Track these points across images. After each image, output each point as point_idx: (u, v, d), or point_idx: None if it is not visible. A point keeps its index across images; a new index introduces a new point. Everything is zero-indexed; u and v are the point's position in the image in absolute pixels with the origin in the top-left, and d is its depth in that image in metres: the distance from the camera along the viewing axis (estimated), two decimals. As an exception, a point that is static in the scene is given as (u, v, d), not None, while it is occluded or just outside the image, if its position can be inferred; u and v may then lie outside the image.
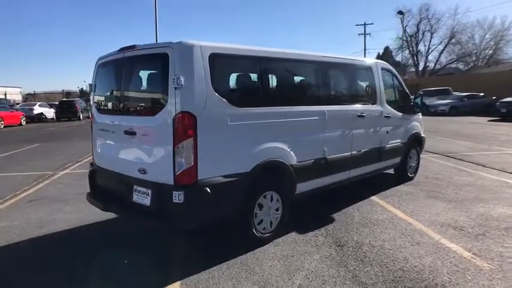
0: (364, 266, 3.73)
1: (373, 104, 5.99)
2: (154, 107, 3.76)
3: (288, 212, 4.56)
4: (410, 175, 7.24)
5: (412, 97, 7.07)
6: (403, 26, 46.49)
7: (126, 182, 4.02)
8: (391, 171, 7.23)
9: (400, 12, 40.49)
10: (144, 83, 4.02)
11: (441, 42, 47.17)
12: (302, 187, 4.77)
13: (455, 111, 25.90)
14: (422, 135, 7.50)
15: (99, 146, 4.62)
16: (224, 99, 3.73)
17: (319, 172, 4.96)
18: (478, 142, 12.26)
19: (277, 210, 4.44)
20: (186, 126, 3.46)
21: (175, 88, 3.45)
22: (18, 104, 33.96)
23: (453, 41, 46.37)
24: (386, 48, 75.58)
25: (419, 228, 4.73)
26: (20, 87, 59.16)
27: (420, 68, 49.60)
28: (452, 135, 14.25)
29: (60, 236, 4.73)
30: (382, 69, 6.34)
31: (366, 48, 53.11)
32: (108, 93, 4.46)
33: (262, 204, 4.25)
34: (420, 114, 7.51)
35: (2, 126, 22.29)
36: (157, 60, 3.62)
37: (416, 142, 7.29)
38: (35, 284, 3.54)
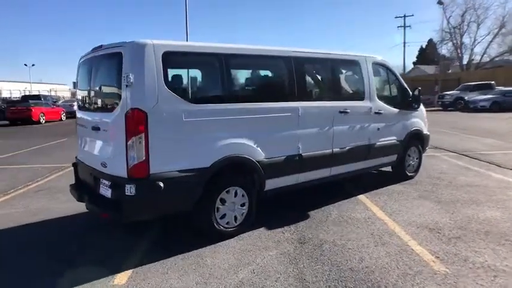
0: (315, 264, 3.70)
1: (360, 100, 5.82)
2: (112, 104, 3.94)
3: (255, 208, 4.60)
4: (409, 174, 6.96)
5: (416, 93, 6.73)
6: (446, 17, 44.03)
7: (94, 175, 4.26)
8: (389, 168, 7.02)
9: (440, 2, 38.32)
10: (106, 81, 4.22)
11: (489, 33, 44.18)
12: (273, 183, 4.77)
13: (497, 107, 24.27)
14: (426, 132, 7.17)
15: (79, 141, 4.90)
16: (178, 96, 3.84)
17: (292, 169, 4.93)
18: (505, 140, 11.46)
19: (243, 205, 4.49)
20: (136, 122, 3.61)
21: (126, 86, 3.61)
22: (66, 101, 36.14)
23: (503, 31, 43.25)
24: (430, 41, 72.00)
25: (392, 228, 4.58)
26: (68, 85, 63.09)
27: (465, 62, 46.75)
28: (481, 132, 13.41)
29: (45, 224, 5.07)
30: (374, 63, 6.14)
31: (406, 41, 51.02)
32: (84, 91, 4.72)
33: (225, 199, 4.32)
34: (423, 110, 7.18)
35: (44, 121, 23.90)
36: (114, 59, 3.79)
37: (416, 140, 6.98)
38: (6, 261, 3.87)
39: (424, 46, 73.44)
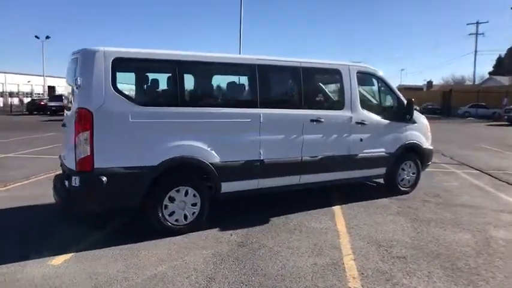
0: (236, 266, 3.80)
1: (339, 109, 5.71)
2: (71, 104, 4.40)
3: (207, 208, 4.78)
4: (403, 189, 6.62)
5: (408, 104, 6.41)
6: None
7: (63, 168, 4.78)
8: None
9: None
10: (71, 83, 4.68)
11: None
12: (230, 186, 4.92)
13: None
14: (426, 146, 6.75)
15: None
16: (125, 99, 4.18)
17: (252, 174, 5.03)
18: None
19: (194, 205, 4.70)
20: (83, 121, 4.02)
21: (77, 88, 4.04)
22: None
23: None
24: (510, 50, 65.89)
25: (339, 241, 4.48)
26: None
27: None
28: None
29: (33, 208, 5.69)
30: (360, 72, 5.97)
31: (478, 50, 47.20)
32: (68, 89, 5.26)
33: (175, 197, 4.57)
34: (423, 123, 6.78)
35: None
36: (75, 63, 4.26)
37: (413, 153, 6.62)
38: None
39: (502, 55, 67.14)
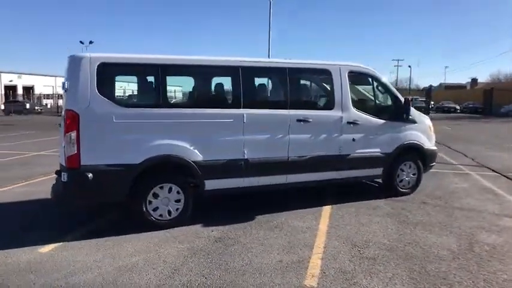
0: (204, 261, 3.96)
1: (328, 109, 5.71)
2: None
3: (191, 204, 4.99)
4: (402, 190, 6.47)
5: (404, 103, 6.27)
6: None
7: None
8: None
9: None
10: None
11: None
12: (214, 184, 5.09)
13: None
14: (428, 147, 6.55)
15: None
16: (109, 101, 4.48)
17: (236, 172, 5.17)
18: None
19: (178, 201, 4.93)
20: (70, 121, 4.36)
21: (65, 91, 4.39)
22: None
23: None
24: None
25: (314, 240, 4.51)
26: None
27: None
28: None
29: (41, 201, 6.13)
30: (352, 72, 5.92)
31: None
32: None
33: (158, 194, 4.81)
34: (425, 122, 6.59)
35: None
36: (66, 68, 4.62)
37: (413, 154, 6.46)
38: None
39: None
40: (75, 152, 4.39)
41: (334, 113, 5.72)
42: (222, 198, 6.20)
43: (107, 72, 4.52)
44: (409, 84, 75.68)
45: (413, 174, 6.53)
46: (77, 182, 4.43)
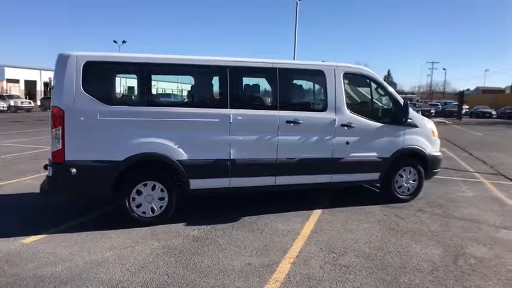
0: (174, 260, 3.97)
1: (320, 111, 5.58)
2: None
3: (175, 203, 5.02)
4: (400, 196, 6.22)
5: (402, 107, 6.00)
6: None
7: None
8: (378, 188, 6.41)
9: None
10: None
11: None
12: (199, 183, 5.10)
13: None
14: (431, 152, 6.25)
15: None
16: (94, 98, 4.59)
17: (222, 172, 5.14)
18: None
19: (161, 199, 4.97)
20: (56, 117, 4.50)
21: (51, 88, 4.54)
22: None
23: None
24: None
25: (291, 244, 4.41)
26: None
27: None
28: None
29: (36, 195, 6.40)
30: (348, 74, 5.76)
31: None
32: None
33: (142, 191, 4.88)
34: (427, 126, 6.29)
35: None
36: (55, 66, 4.77)
37: (414, 159, 6.19)
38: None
39: None
40: (60, 147, 4.54)
41: (327, 115, 5.58)
42: (214, 197, 6.22)
43: (92, 71, 4.63)
44: (444, 87, 72.94)
45: (414, 181, 6.25)
46: (60, 177, 4.57)
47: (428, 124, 6.41)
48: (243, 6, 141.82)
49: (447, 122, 31.01)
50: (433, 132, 6.39)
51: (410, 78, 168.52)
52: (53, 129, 4.54)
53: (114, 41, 49.56)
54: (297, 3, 27.86)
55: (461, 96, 36.88)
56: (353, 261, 4.00)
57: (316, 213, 5.58)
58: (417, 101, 50.34)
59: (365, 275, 3.69)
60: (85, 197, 5.24)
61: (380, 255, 4.16)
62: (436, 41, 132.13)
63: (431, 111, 38.58)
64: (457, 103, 39.06)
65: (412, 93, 69.33)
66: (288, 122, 5.34)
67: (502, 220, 5.45)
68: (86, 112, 4.58)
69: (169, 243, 4.41)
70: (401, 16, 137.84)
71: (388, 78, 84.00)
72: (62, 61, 4.55)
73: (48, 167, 4.66)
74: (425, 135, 6.26)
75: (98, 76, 4.78)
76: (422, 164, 6.24)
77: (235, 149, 5.15)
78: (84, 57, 4.60)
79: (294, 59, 24.90)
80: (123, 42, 49.59)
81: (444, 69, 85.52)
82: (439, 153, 6.46)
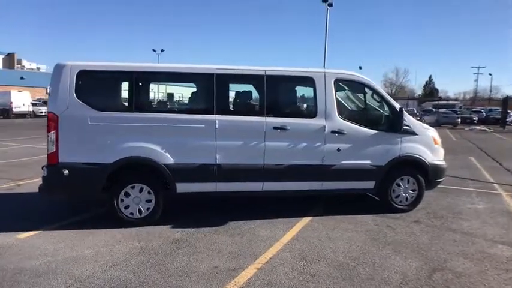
0: (146, 259, 4.14)
1: (311, 117, 5.55)
2: None
3: (162, 205, 5.20)
4: (398, 206, 6.00)
5: (397, 113, 5.79)
6: None
7: None
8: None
9: None
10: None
11: None
12: (186, 187, 5.25)
13: None
14: (430, 160, 5.96)
15: None
16: (85, 104, 4.89)
17: (208, 177, 5.26)
18: None
19: (149, 201, 5.17)
20: (51, 122, 4.85)
21: (48, 95, 4.90)
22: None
23: None
24: None
25: (266, 250, 4.42)
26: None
27: None
28: None
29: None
30: (340, 80, 5.69)
31: None
32: None
33: (130, 193, 5.11)
34: (427, 134, 6.04)
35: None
36: (51, 74, 5.14)
37: (413, 168, 5.96)
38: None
39: None
40: (54, 150, 4.88)
41: (316, 122, 5.53)
42: (208, 202, 6.34)
43: (85, 79, 4.95)
44: (490, 93, 68.78)
45: (413, 190, 6.02)
46: (54, 177, 4.90)
47: (430, 132, 6.14)
48: (279, 11, 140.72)
49: (488, 130, 29.26)
50: (434, 140, 6.11)
51: (456, 84, 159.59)
52: (48, 133, 4.89)
53: (153, 50, 51.80)
54: (327, 9, 27.65)
55: (505, 102, 34.64)
56: (321, 270, 3.95)
57: (305, 221, 5.53)
58: (460, 107, 47.86)
59: (327, 285, 3.64)
60: (77, 197, 5.56)
61: (352, 266, 4.07)
62: (484, 44, 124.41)
63: (474, 119, 36.58)
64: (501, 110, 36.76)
65: (456, 100, 65.81)
66: (275, 128, 5.37)
67: (503, 235, 5.11)
68: (77, 117, 4.90)
69: (149, 244, 4.57)
70: (447, 18, 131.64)
71: (429, 84, 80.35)
72: (58, 70, 4.91)
73: (43, 168, 5.01)
74: (426, 143, 6.01)
75: (90, 84, 5.09)
76: (422, 173, 5.99)
77: (221, 154, 5.25)
78: (78, 67, 4.92)
79: (324, 66, 24.65)
80: (162, 50, 51.66)
81: (490, 74, 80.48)
82: (441, 162, 6.16)
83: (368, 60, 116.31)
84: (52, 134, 4.87)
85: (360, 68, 66.15)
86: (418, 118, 26.66)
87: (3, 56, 59.34)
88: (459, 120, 33.21)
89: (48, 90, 5.04)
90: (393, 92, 77.83)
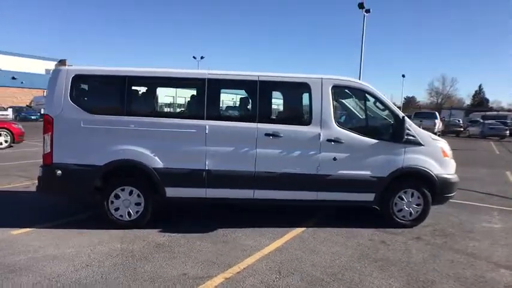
0: (120, 261, 4.17)
1: (305, 124, 5.36)
2: None
3: (151, 208, 5.24)
4: (400, 221, 5.63)
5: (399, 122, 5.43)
6: None
7: None
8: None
9: None
10: None
11: None
12: (175, 192, 5.26)
13: None
14: (438, 173, 5.52)
15: None
16: (79, 108, 5.06)
17: (198, 182, 5.23)
18: None
19: (138, 204, 5.23)
20: (47, 124, 5.07)
21: (45, 98, 5.13)
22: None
23: None
24: None
25: (242, 260, 4.29)
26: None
27: None
28: None
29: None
30: (338, 87, 5.45)
31: None
32: None
33: (120, 195, 5.20)
34: (434, 144, 5.61)
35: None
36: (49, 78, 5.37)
37: (418, 181, 5.57)
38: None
39: None
40: (49, 150, 5.08)
41: (311, 129, 5.34)
42: (206, 208, 6.31)
43: (79, 83, 5.14)
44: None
45: (418, 205, 5.61)
46: (48, 177, 5.10)
47: (439, 143, 5.71)
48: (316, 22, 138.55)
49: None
50: (443, 152, 5.67)
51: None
52: (44, 135, 5.11)
53: (194, 57, 53.23)
54: (364, 16, 26.93)
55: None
56: (292, 284, 3.76)
57: (295, 232, 5.33)
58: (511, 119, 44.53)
59: (292, 300, 3.45)
60: (69, 197, 5.74)
61: (326, 281, 3.84)
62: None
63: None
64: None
65: (509, 110, 61.43)
66: (267, 134, 5.25)
67: (510, 257, 4.61)
68: (71, 120, 5.07)
69: (129, 247, 4.61)
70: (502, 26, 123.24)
71: (479, 93, 75.79)
72: (55, 74, 5.13)
73: (39, 168, 5.23)
74: (433, 154, 5.59)
75: (83, 88, 5.28)
76: (428, 186, 5.58)
77: (211, 160, 5.21)
78: (73, 71, 5.12)
79: (359, 78, 23.99)
80: (201, 58, 52.96)
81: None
82: (451, 176, 5.70)
83: (412, 67, 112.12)
84: (48, 136, 5.08)
85: (403, 76, 64.16)
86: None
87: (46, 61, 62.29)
88: (507, 132, 30.89)
89: (45, 93, 5.26)
90: (439, 101, 74.32)
